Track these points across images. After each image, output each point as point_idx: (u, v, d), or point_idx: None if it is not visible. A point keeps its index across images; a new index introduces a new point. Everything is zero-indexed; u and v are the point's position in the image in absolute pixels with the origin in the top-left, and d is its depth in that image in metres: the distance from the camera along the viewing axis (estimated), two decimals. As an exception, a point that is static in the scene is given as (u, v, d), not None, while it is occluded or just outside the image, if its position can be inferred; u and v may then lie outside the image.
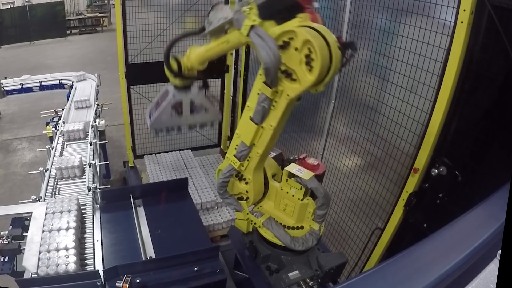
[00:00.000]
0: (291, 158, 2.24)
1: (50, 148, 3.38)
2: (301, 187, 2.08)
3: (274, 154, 2.38)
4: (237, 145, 2.08)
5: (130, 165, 4.88)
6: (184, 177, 3.60)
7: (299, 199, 2.11)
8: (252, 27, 1.73)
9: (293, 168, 2.10)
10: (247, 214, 2.31)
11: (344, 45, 1.67)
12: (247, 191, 2.21)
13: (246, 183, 2.19)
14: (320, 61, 1.58)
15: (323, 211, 2.10)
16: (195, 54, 2.49)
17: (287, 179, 2.13)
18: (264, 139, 1.98)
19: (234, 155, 2.10)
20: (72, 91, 5.14)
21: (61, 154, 3.37)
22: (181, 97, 2.87)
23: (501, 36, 1.82)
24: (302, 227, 2.19)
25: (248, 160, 2.10)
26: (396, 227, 2.56)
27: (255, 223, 2.32)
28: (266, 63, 1.65)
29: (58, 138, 3.64)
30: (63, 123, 3.91)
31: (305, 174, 2.05)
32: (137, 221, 2.67)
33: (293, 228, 2.20)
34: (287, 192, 2.14)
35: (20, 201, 2.54)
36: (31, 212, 2.43)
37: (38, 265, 2.06)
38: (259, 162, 2.09)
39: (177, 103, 2.92)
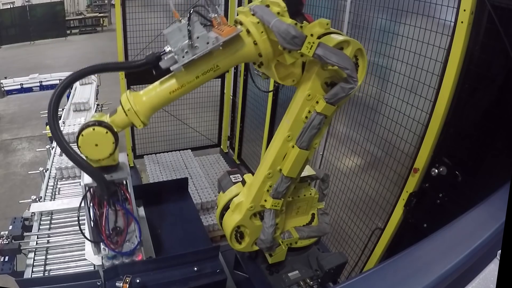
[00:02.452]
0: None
1: (50, 148, 3.38)
2: (308, 183, 2.09)
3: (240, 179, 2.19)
4: (270, 186, 1.83)
5: (130, 165, 4.88)
6: (184, 177, 3.61)
7: (310, 194, 2.11)
8: (320, 45, 1.50)
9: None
10: (282, 242, 2.09)
11: None
12: (277, 224, 1.95)
13: (262, 218, 1.95)
14: (366, 64, 1.63)
15: (327, 188, 2.14)
16: (152, 101, 1.65)
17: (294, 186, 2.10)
18: (307, 161, 1.82)
19: (272, 196, 1.82)
20: (72, 91, 5.14)
21: (61, 154, 3.37)
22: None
23: (501, 36, 1.82)
24: (313, 216, 2.20)
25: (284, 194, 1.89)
26: (396, 227, 2.56)
27: (291, 244, 2.11)
28: (352, 88, 1.54)
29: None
30: (63, 123, 3.91)
31: (309, 170, 2.06)
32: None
33: (309, 223, 2.21)
34: (299, 196, 2.12)
35: (20, 201, 2.54)
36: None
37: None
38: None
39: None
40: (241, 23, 1.61)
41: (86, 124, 1.62)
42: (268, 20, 1.49)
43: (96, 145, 1.62)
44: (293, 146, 1.74)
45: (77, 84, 5.26)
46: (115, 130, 1.65)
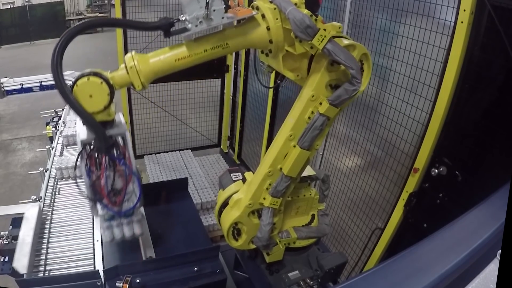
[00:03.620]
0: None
1: (50, 148, 3.38)
2: (308, 183, 2.09)
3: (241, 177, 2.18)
4: (270, 184, 1.84)
5: (130, 164, 4.87)
6: (184, 177, 3.60)
7: (310, 194, 2.11)
8: (331, 38, 1.52)
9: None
10: (279, 241, 2.09)
11: None
12: (274, 223, 1.97)
13: (260, 216, 1.94)
14: (370, 70, 1.63)
15: (328, 189, 2.13)
16: (155, 65, 1.63)
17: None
18: (307, 162, 1.83)
19: (271, 195, 1.83)
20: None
21: (61, 154, 3.36)
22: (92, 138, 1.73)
23: (501, 36, 1.82)
24: (313, 217, 2.19)
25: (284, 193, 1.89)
26: (396, 227, 2.56)
27: (288, 244, 2.11)
28: (355, 90, 1.57)
29: (58, 138, 3.63)
30: (63, 123, 3.91)
31: (309, 171, 2.06)
32: (137, 221, 2.67)
33: (308, 223, 2.20)
34: (298, 196, 2.12)
35: (20, 201, 2.54)
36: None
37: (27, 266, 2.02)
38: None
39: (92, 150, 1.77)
40: (257, 8, 1.62)
41: (81, 74, 1.59)
42: (285, 7, 1.51)
43: (91, 96, 1.56)
44: (294, 146, 1.74)
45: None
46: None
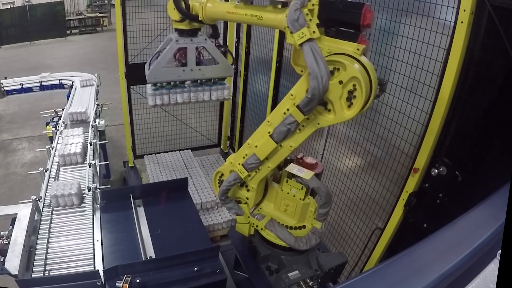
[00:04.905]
0: (288, 158, 2.22)
1: (50, 148, 3.37)
2: (302, 187, 2.08)
3: None
4: (246, 155, 2.01)
5: (130, 165, 4.88)
6: (184, 177, 3.61)
7: (300, 199, 2.11)
8: (309, 40, 1.56)
9: (293, 168, 2.10)
10: (248, 217, 2.30)
11: (379, 84, 1.66)
12: (247, 198, 2.20)
13: (248, 190, 2.17)
14: (363, 99, 1.54)
15: (325, 209, 2.10)
16: (214, 9, 2.16)
17: (287, 180, 2.13)
18: (280, 156, 1.93)
19: (242, 165, 2.03)
20: (72, 91, 5.14)
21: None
22: (186, 43, 2.42)
23: (501, 36, 1.82)
24: (304, 227, 2.19)
25: (256, 172, 2.06)
26: (396, 227, 2.56)
27: (257, 226, 2.31)
28: (314, 94, 1.56)
29: (58, 138, 3.63)
30: (62, 126, 3.91)
31: (306, 174, 2.05)
32: (137, 221, 2.67)
33: (295, 228, 2.20)
34: (288, 193, 2.14)
35: (20, 201, 2.54)
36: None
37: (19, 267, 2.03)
38: (267, 174, 2.07)
39: (180, 51, 2.46)
40: None
41: None
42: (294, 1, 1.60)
43: (174, 9, 2.37)
44: (269, 132, 1.87)
45: (77, 84, 5.26)
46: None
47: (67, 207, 2.68)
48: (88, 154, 3.27)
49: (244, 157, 2.02)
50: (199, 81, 2.60)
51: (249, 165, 2.00)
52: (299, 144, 1.86)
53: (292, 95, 1.73)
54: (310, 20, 1.58)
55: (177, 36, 2.43)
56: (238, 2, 2.03)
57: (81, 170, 3.15)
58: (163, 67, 2.42)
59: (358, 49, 1.57)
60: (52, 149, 3.38)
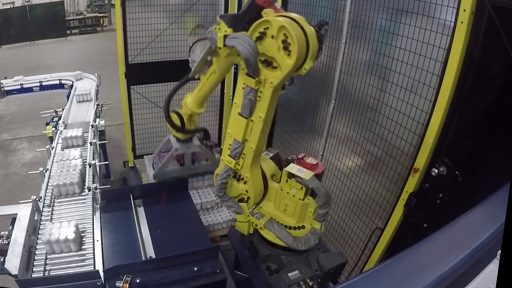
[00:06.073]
0: (289, 158, 2.24)
1: (50, 148, 3.37)
2: (301, 187, 2.08)
3: (271, 154, 2.38)
4: (230, 145, 2.10)
5: (130, 165, 4.88)
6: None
7: (300, 199, 2.11)
8: (225, 36, 1.83)
9: (293, 168, 2.10)
10: (248, 216, 2.31)
11: (318, 25, 1.79)
12: (247, 191, 2.21)
13: (245, 182, 2.19)
14: (297, 43, 1.65)
15: (324, 210, 2.11)
16: (190, 100, 2.90)
17: (287, 180, 2.13)
18: (255, 132, 2.00)
19: (229, 155, 2.12)
20: (72, 91, 5.14)
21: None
22: (183, 150, 3.15)
23: (501, 36, 1.82)
24: (303, 227, 2.20)
25: (243, 158, 2.11)
26: (396, 227, 2.56)
27: (256, 225, 2.32)
28: (244, 54, 1.73)
29: (58, 138, 3.63)
30: (63, 123, 3.91)
31: (306, 174, 2.05)
32: (137, 221, 2.67)
33: (294, 228, 2.20)
34: (288, 193, 2.14)
35: (20, 201, 2.54)
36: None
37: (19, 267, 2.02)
38: (254, 158, 2.10)
39: (179, 155, 3.20)
40: None
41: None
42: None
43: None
44: (239, 113, 1.99)
45: (77, 84, 5.26)
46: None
47: (63, 254, 2.28)
48: (88, 154, 3.27)
49: (229, 148, 2.12)
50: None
51: (234, 152, 2.09)
52: (268, 114, 1.94)
53: (243, 69, 1.88)
54: (219, 29, 1.89)
55: (176, 143, 3.12)
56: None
57: (80, 202, 2.71)
58: (166, 170, 3.20)
59: (266, 12, 1.76)
60: (52, 149, 3.38)
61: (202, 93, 2.82)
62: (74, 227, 2.31)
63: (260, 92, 1.87)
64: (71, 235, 2.25)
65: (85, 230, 2.48)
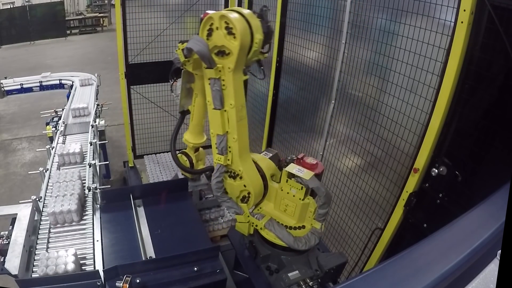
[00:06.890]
0: (289, 158, 2.24)
1: (50, 148, 3.37)
2: (301, 187, 2.08)
3: (270, 154, 2.38)
4: (216, 143, 2.19)
5: (130, 165, 4.88)
6: (184, 177, 3.60)
7: (300, 199, 2.11)
8: (183, 49, 2.27)
9: (293, 168, 2.10)
10: (248, 216, 2.31)
11: (259, 13, 2.04)
12: (245, 186, 2.22)
13: (240, 177, 2.21)
14: (237, 24, 1.88)
15: (324, 209, 2.11)
16: (188, 134, 3.16)
17: (287, 180, 2.13)
18: (232, 121, 2.10)
19: (217, 153, 2.21)
20: (72, 91, 5.14)
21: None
22: (192, 188, 3.33)
23: (501, 36, 1.82)
24: (303, 227, 2.20)
25: (230, 151, 2.18)
26: (396, 227, 2.56)
27: (256, 225, 2.32)
28: (195, 49, 1.98)
29: (58, 138, 3.63)
30: (63, 123, 3.90)
31: (306, 174, 2.05)
32: (137, 221, 2.67)
33: (294, 228, 2.20)
34: (288, 193, 2.14)
35: (20, 201, 2.54)
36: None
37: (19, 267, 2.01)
38: (240, 149, 2.15)
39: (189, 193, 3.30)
40: None
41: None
42: None
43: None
44: (213, 108, 2.12)
45: (77, 84, 5.26)
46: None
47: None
48: (88, 154, 3.27)
49: (216, 148, 2.20)
50: None
51: (220, 147, 2.18)
52: (237, 99, 2.08)
53: (205, 67, 2.05)
54: (178, 49, 2.48)
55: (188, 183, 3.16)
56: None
57: (77, 234, 2.46)
58: None
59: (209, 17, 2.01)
60: (52, 149, 3.37)
61: (196, 122, 3.05)
62: (73, 256, 2.12)
63: (223, 80, 2.03)
64: (71, 266, 2.07)
65: (86, 230, 2.48)
